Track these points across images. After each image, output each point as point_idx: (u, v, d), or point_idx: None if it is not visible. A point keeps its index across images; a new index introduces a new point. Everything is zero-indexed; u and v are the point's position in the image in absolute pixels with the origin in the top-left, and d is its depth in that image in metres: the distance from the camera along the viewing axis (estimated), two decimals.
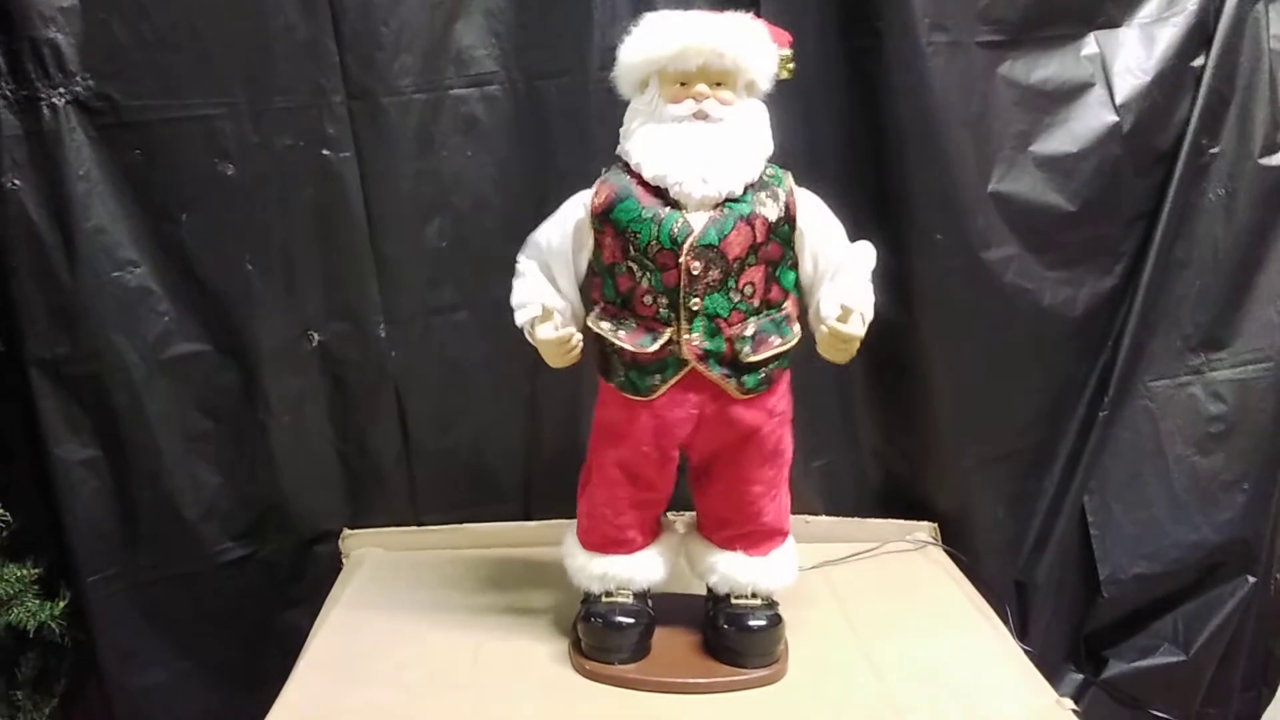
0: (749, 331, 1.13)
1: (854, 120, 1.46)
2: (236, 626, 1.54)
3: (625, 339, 1.14)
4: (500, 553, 1.53)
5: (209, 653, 1.53)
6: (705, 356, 1.13)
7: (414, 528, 1.57)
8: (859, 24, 1.41)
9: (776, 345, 1.15)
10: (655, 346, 1.12)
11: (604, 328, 1.15)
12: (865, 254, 1.16)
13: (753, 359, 1.13)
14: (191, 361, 1.45)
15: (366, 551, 1.54)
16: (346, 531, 1.56)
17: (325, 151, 1.40)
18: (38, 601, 1.41)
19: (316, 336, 1.48)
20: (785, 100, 1.38)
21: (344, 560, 1.54)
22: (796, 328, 1.18)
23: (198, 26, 1.33)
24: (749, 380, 1.14)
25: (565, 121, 1.43)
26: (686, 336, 1.12)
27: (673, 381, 1.14)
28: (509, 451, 1.57)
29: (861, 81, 1.44)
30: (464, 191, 1.45)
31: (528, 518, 1.59)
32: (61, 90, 1.32)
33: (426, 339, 1.50)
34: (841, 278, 1.14)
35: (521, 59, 1.42)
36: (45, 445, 1.40)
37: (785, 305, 1.17)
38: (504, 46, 1.41)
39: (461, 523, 1.57)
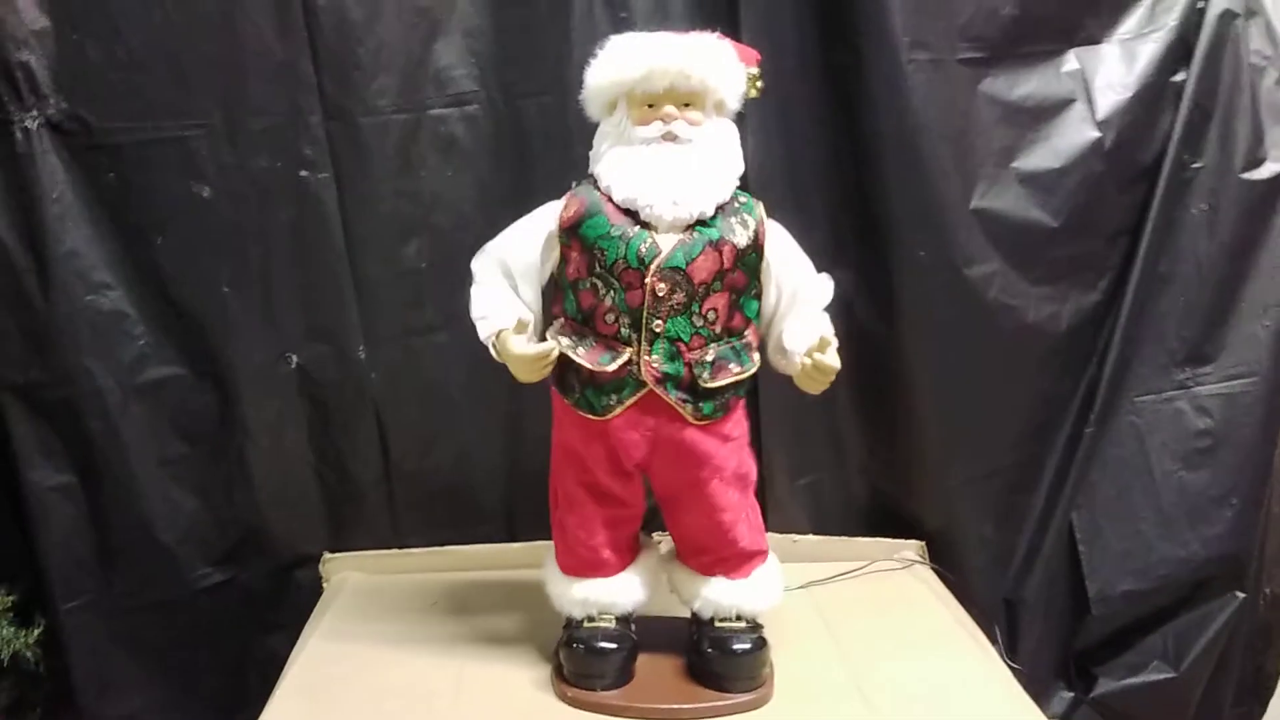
0: (709, 357, 1.12)
1: (835, 138, 1.46)
2: (215, 653, 1.52)
3: (584, 356, 1.12)
4: (483, 575, 1.51)
5: (187, 680, 1.51)
6: (664, 379, 1.12)
7: (395, 551, 1.55)
8: (838, 41, 1.41)
9: (735, 373, 1.14)
10: (614, 366, 1.11)
11: (563, 343, 1.14)
12: (825, 288, 1.17)
13: (711, 385, 1.12)
14: (167, 385, 1.43)
15: (347, 575, 1.53)
16: (326, 555, 1.54)
17: (303, 172, 1.39)
18: (12, 629, 1.39)
19: (295, 358, 1.47)
20: (765, 118, 1.39)
21: (324, 584, 1.53)
22: (756, 356, 1.17)
23: (172, 48, 1.32)
24: (705, 406, 1.14)
25: (545, 141, 1.42)
26: (646, 358, 1.11)
27: (629, 403, 1.13)
28: (491, 473, 1.55)
29: (842, 99, 1.44)
30: (444, 211, 1.44)
31: (511, 539, 1.57)
32: (34, 113, 1.31)
33: (407, 360, 1.48)
34: (805, 311, 1.15)
35: (501, 78, 1.41)
36: (19, 471, 1.39)
37: (746, 334, 1.16)
38: (483, 66, 1.41)
39: (443, 545, 1.55)
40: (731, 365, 1.14)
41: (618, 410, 1.13)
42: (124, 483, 1.42)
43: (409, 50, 1.38)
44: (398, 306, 1.47)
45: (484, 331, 1.14)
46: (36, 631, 1.40)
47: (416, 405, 1.50)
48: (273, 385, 1.46)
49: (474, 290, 1.16)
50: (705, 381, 1.12)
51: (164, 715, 1.51)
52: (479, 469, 1.55)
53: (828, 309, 1.17)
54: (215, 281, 1.41)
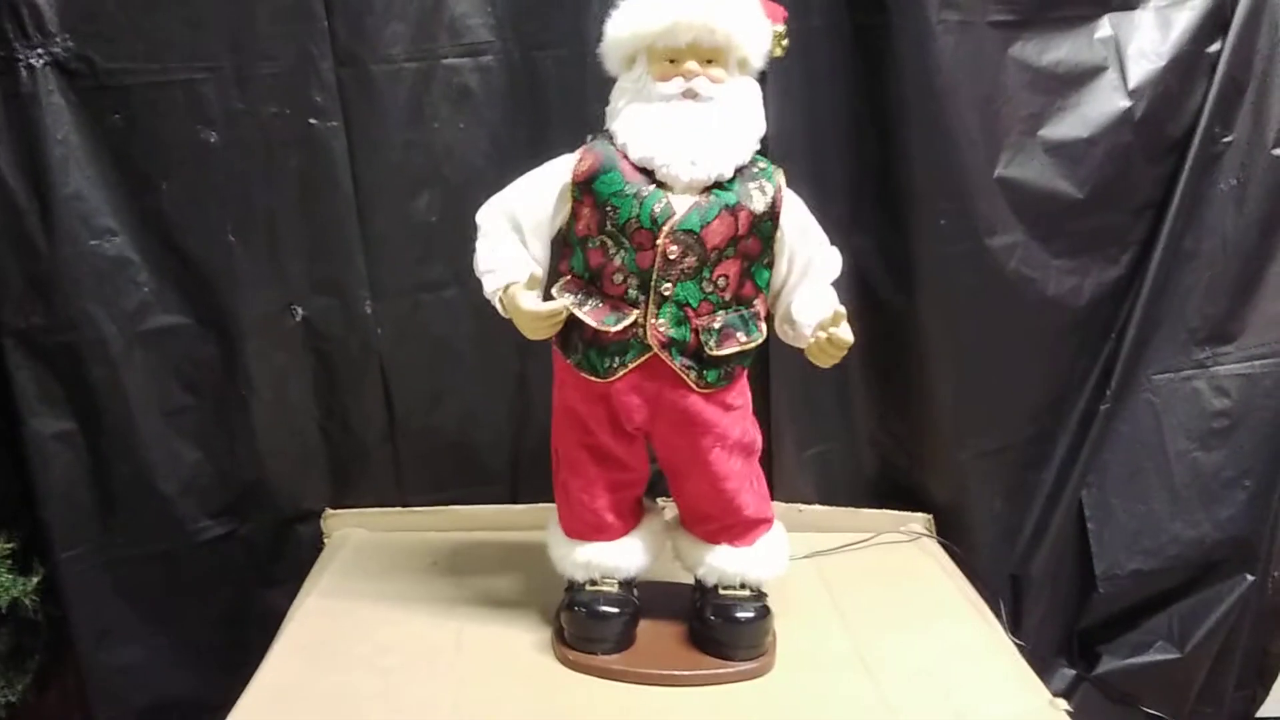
0: (716, 324, 1.10)
1: (858, 99, 1.43)
2: (215, 605, 1.51)
3: (589, 314, 1.10)
4: (486, 536, 1.50)
5: (187, 631, 1.51)
6: (669, 344, 1.09)
7: (398, 509, 1.54)
8: None
9: (742, 342, 1.12)
10: (619, 327, 1.09)
11: (568, 300, 1.11)
12: (835, 262, 1.15)
13: (716, 353, 1.10)
14: (171, 334, 1.41)
15: (349, 532, 1.52)
16: (329, 511, 1.53)
17: (312, 120, 1.36)
18: (11, 576, 1.38)
19: (300, 311, 1.44)
20: (787, 78, 1.36)
21: (325, 540, 1.52)
22: (764, 327, 1.15)
23: None
24: (710, 374, 1.11)
25: (561, 94, 1.39)
26: (653, 321, 1.09)
27: (632, 365, 1.10)
28: (497, 432, 1.54)
29: (867, 59, 1.40)
30: (455, 164, 1.41)
31: (515, 500, 1.56)
32: (40, 51, 1.27)
33: (414, 315, 1.46)
34: (816, 283, 1.13)
35: (517, 29, 1.38)
36: (19, 417, 1.37)
37: (755, 303, 1.14)
38: (499, 15, 1.37)
39: (447, 504, 1.54)
40: (739, 334, 1.12)
41: (620, 373, 1.11)
42: (125, 432, 1.41)
43: None
44: (406, 261, 1.44)
45: (491, 285, 1.11)
46: (35, 579, 1.39)
47: (423, 362, 1.48)
48: (278, 337, 1.44)
49: (480, 243, 1.12)
50: (711, 349, 1.10)
51: (163, 666, 1.50)
52: (485, 428, 1.53)
53: (835, 282, 1.15)
54: (221, 230, 1.38)
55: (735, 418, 1.16)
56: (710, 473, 1.17)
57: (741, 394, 1.18)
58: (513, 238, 1.12)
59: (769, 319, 1.17)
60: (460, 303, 1.45)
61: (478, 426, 1.53)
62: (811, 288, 1.13)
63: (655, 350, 1.09)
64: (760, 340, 1.14)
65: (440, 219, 1.42)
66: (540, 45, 1.38)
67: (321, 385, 1.48)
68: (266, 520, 1.52)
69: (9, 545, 1.38)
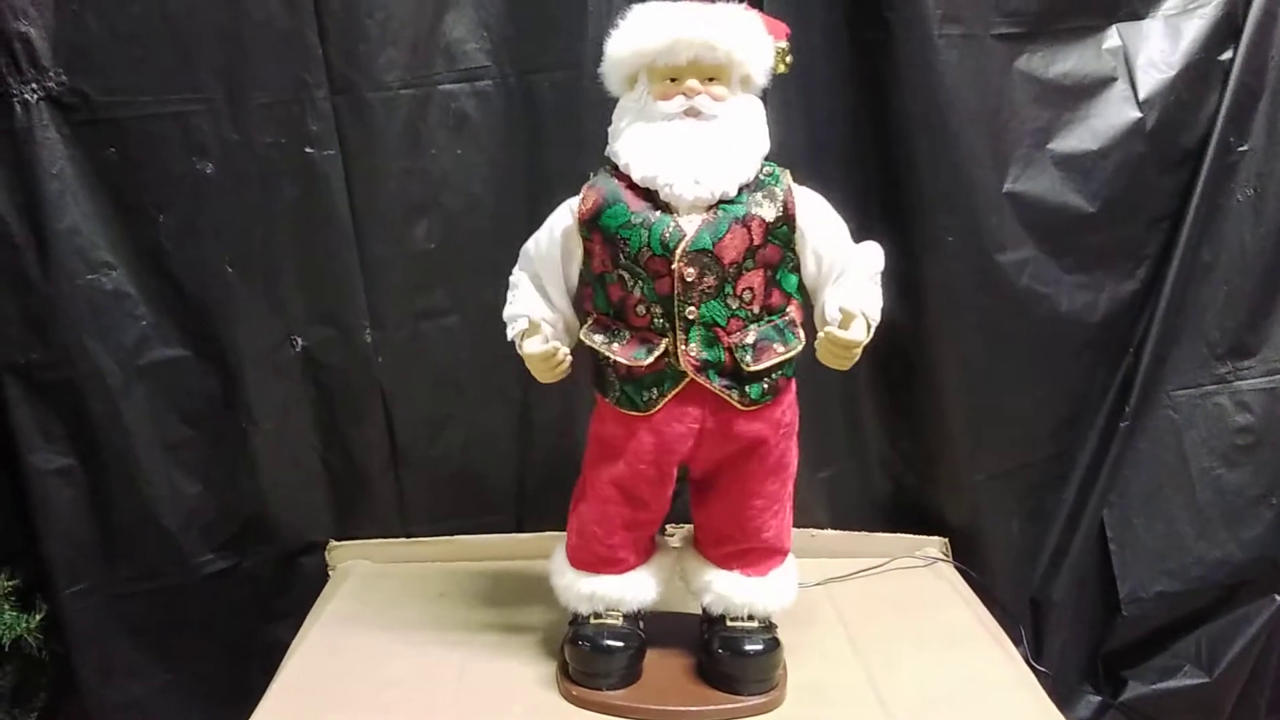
0: (750, 339, 1.07)
1: (862, 116, 1.41)
2: (219, 640, 1.50)
3: (619, 352, 1.08)
4: (491, 566, 1.48)
5: (191, 667, 1.50)
6: (704, 367, 1.07)
7: (402, 539, 1.52)
8: (867, 14, 1.35)
9: (780, 353, 1.09)
10: (650, 359, 1.07)
11: (597, 340, 1.10)
12: (872, 254, 1.09)
13: (755, 368, 1.07)
14: (170, 367, 1.41)
15: (353, 564, 1.50)
16: (333, 543, 1.52)
17: (308, 149, 1.35)
18: (14, 614, 1.38)
19: (300, 341, 1.43)
20: (789, 95, 1.34)
21: (330, 572, 1.50)
22: (801, 333, 1.11)
23: (173, 19, 1.28)
24: (753, 391, 1.08)
25: (559, 118, 1.38)
26: (683, 347, 1.06)
27: (671, 395, 1.08)
28: (500, 461, 1.52)
29: (870, 75, 1.38)
30: (454, 191, 1.40)
31: (520, 529, 1.54)
32: (34, 86, 1.28)
33: (415, 344, 1.45)
34: (845, 280, 1.08)
35: (514, 53, 1.37)
36: (19, 453, 1.37)
37: (788, 310, 1.11)
38: (495, 40, 1.36)
39: (451, 534, 1.52)
40: (775, 345, 1.08)
41: (660, 404, 1.08)
42: (126, 467, 1.40)
43: (418, 22, 1.33)
44: (406, 289, 1.43)
45: (510, 334, 1.13)
46: (38, 617, 1.39)
47: (425, 391, 1.47)
48: (278, 369, 1.43)
49: (509, 294, 1.14)
50: (748, 365, 1.07)
51: (167, 702, 1.49)
52: (488, 457, 1.51)
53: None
54: (218, 261, 1.37)
55: (780, 437, 1.13)
56: (742, 489, 1.14)
57: (790, 409, 1.14)
58: (531, 287, 1.13)
59: (809, 323, 1.12)
60: (461, 330, 1.44)
61: (481, 455, 1.51)
62: (841, 285, 1.08)
63: (691, 375, 1.07)
64: (799, 347, 1.10)
65: (439, 246, 1.41)
66: (537, 69, 1.37)
67: (323, 416, 1.47)
68: (270, 553, 1.51)
69: (11, 583, 1.38)
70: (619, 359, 1.08)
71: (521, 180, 1.39)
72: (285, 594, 1.51)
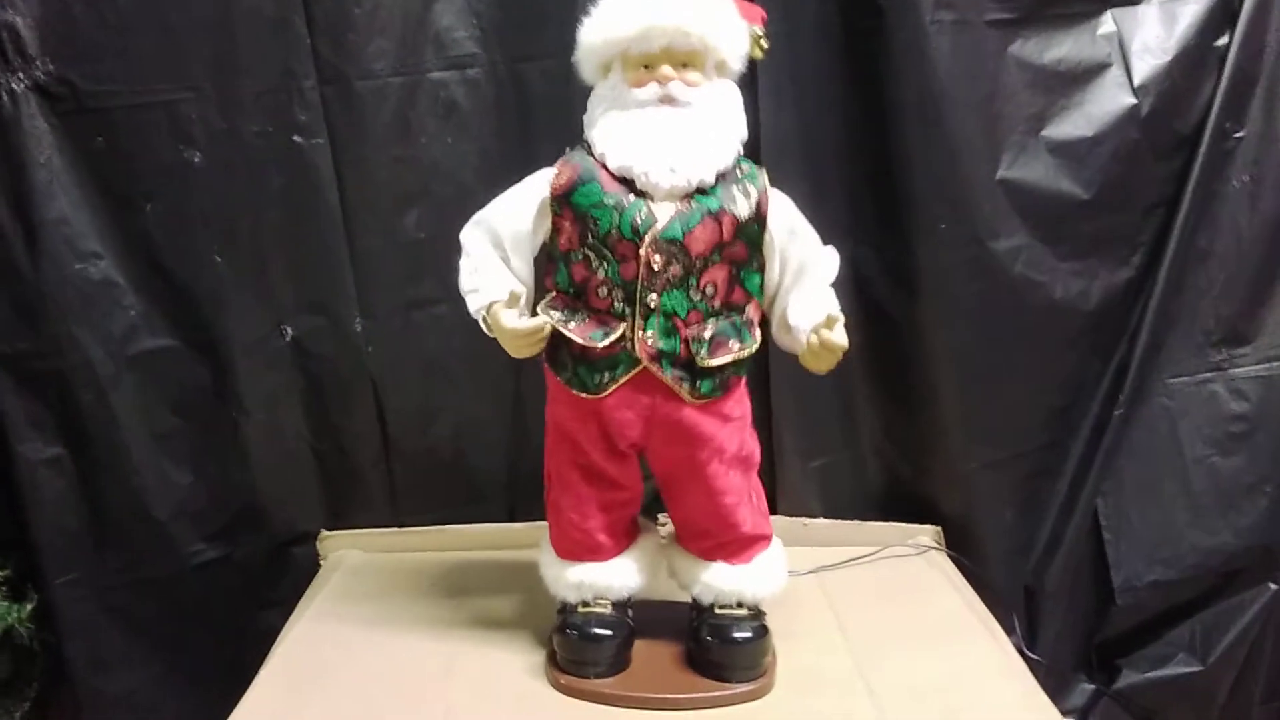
0: (707, 334, 1.07)
1: (854, 104, 1.39)
2: (211, 630, 1.50)
3: (576, 331, 1.07)
4: (482, 555, 1.47)
5: (183, 657, 1.50)
6: (659, 357, 1.06)
7: (394, 529, 1.52)
8: (860, 1, 1.34)
9: (735, 350, 1.09)
10: (606, 342, 1.06)
11: (554, 316, 1.09)
12: (831, 261, 1.10)
13: (710, 363, 1.07)
14: (159, 357, 1.41)
15: (344, 554, 1.50)
16: (324, 533, 1.52)
17: (296, 138, 1.35)
18: (6, 604, 1.38)
19: (290, 331, 1.43)
20: (781, 83, 1.33)
21: (321, 562, 1.50)
22: (758, 334, 1.11)
23: (161, 8, 1.28)
24: (704, 385, 1.08)
25: (549, 107, 1.37)
26: (641, 334, 1.06)
27: (623, 380, 1.08)
28: (492, 450, 1.51)
29: (862, 62, 1.37)
30: (443, 180, 1.39)
31: (512, 518, 1.53)
32: (20, 75, 1.28)
33: (405, 333, 1.44)
34: (811, 285, 1.09)
35: (503, 41, 1.36)
36: (8, 444, 1.37)
37: (747, 309, 1.11)
38: (485, 28, 1.35)
39: (443, 524, 1.52)
40: (731, 342, 1.09)
41: (611, 388, 1.08)
42: (116, 456, 1.40)
43: (407, 11, 1.33)
44: (396, 278, 1.42)
45: (474, 305, 1.09)
46: (29, 607, 1.39)
47: (416, 380, 1.47)
48: (267, 358, 1.43)
49: (463, 262, 1.11)
50: (703, 359, 1.07)
51: (159, 691, 1.49)
52: (480, 446, 1.51)
53: (834, 284, 1.10)
54: (207, 251, 1.37)
55: (733, 429, 1.13)
56: (707, 487, 1.14)
57: (739, 404, 1.14)
58: (494, 256, 1.10)
59: (764, 325, 1.14)
60: (452, 319, 1.42)
61: (473, 444, 1.51)
62: (807, 290, 1.09)
63: (645, 363, 1.07)
64: (754, 348, 1.11)
65: (429, 235, 1.40)
66: (526, 57, 1.36)
67: (313, 406, 1.47)
68: (261, 543, 1.50)
69: (2, 573, 1.38)
70: (575, 338, 1.07)
71: (512, 168, 1.34)
72: (276, 584, 1.50)
